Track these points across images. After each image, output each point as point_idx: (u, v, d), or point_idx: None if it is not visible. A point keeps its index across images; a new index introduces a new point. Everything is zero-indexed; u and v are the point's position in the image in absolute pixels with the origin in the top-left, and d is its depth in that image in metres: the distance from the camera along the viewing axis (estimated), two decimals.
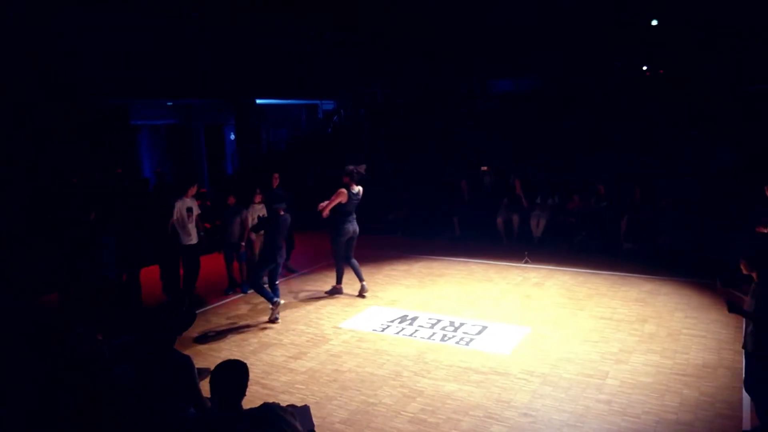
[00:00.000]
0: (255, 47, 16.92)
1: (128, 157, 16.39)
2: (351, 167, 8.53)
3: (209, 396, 3.34)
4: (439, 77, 20.65)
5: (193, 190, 8.66)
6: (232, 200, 9.17)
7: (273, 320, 7.69)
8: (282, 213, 7.66)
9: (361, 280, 8.75)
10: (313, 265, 10.61)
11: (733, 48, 15.20)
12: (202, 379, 4.23)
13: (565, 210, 11.60)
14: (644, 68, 17.52)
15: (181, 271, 8.85)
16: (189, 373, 3.68)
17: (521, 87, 20.06)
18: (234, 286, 9.29)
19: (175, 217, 8.37)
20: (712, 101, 13.90)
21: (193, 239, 8.59)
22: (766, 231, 6.73)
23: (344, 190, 8.48)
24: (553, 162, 13.02)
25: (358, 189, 8.61)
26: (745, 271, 4.82)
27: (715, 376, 5.74)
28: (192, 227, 8.54)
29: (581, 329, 7.12)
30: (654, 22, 18.22)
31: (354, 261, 8.79)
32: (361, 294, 8.71)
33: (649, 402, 5.31)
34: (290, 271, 10.19)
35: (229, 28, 15.98)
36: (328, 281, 9.59)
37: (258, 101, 18.33)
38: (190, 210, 8.52)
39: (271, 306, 7.72)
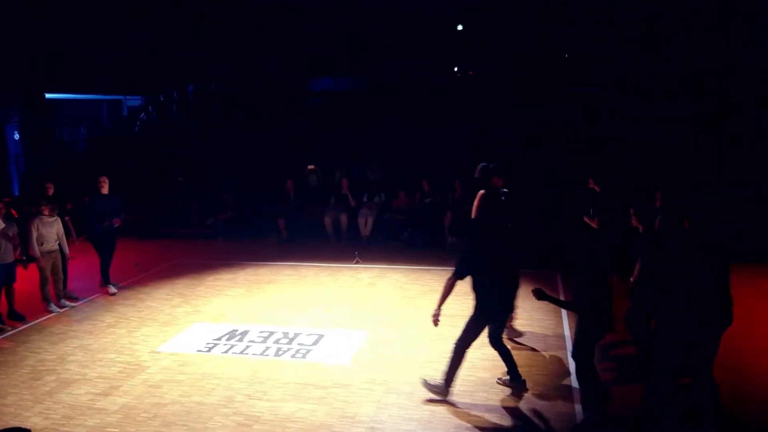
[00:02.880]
0: (45, 35, 14.73)
1: None
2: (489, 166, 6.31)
3: None
4: (257, 71, 19.84)
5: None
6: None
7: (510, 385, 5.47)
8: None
9: None
10: (123, 280, 9.32)
11: (545, 52, 16.56)
12: None
13: (391, 208, 11.66)
14: (455, 69, 18.44)
15: None
16: None
17: (340, 86, 20.04)
18: None
19: None
20: (528, 102, 14.97)
21: None
22: (592, 222, 7.09)
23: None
24: (378, 160, 13.05)
25: None
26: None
27: (544, 364, 5.96)
28: None
29: (418, 329, 7.04)
30: (459, 27, 19.30)
31: None
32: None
33: (491, 398, 5.32)
34: (73, 299, 8.53)
35: (8, 10, 13.70)
36: (141, 297, 8.53)
37: (48, 96, 16.05)
38: None
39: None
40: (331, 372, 5.92)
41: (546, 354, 6.24)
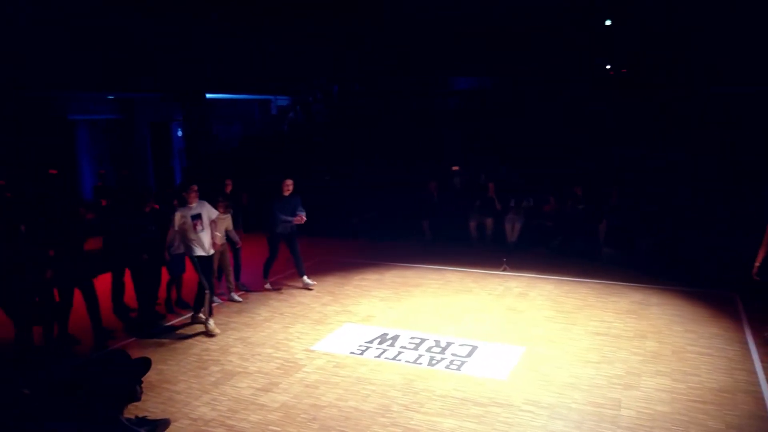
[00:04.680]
0: (204, 38, 15.79)
1: (65, 155, 15.04)
2: None
3: None
4: (397, 71, 19.94)
5: (194, 195, 7.21)
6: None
7: None
8: None
9: None
10: (274, 275, 9.58)
11: (697, 49, 15.10)
12: None
13: (540, 213, 11.09)
14: (608, 67, 17.30)
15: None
16: None
17: (483, 84, 19.56)
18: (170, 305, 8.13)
19: (176, 227, 7.14)
20: (675, 102, 13.75)
21: (200, 250, 7.23)
22: None
23: None
24: (526, 162, 12.52)
25: None
26: None
27: (735, 403, 5.22)
28: (201, 236, 7.18)
29: (578, 348, 6.53)
30: (607, 23, 18.07)
31: None
32: None
33: None
34: (244, 290, 8.91)
35: (174, 18, 14.82)
36: (292, 293, 8.76)
37: (207, 96, 17.19)
38: (197, 217, 7.18)
39: None
40: (488, 388, 5.61)
41: (736, 391, 5.47)
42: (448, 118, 15.91)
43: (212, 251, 7.42)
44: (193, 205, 7.21)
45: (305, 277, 8.99)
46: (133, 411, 5.05)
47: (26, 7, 11.41)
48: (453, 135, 14.58)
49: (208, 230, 7.32)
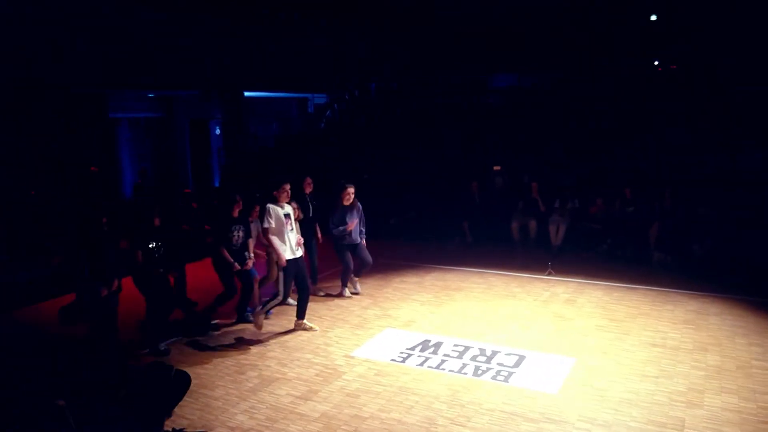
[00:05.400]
0: (242, 37, 15.76)
1: (105, 152, 15.18)
2: None
3: None
4: (434, 69, 19.58)
5: (285, 195, 6.79)
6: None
7: None
8: None
9: None
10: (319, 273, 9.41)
11: (751, 45, 14.38)
12: None
13: (586, 215, 10.66)
14: (656, 63, 16.65)
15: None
16: None
17: (523, 82, 19.08)
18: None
19: (274, 226, 6.72)
20: (725, 98, 13.12)
21: (289, 252, 6.82)
22: None
23: None
24: (571, 162, 12.10)
25: None
26: None
27: None
28: (290, 236, 6.82)
29: (634, 360, 6.15)
30: (653, 17, 17.38)
31: None
32: None
33: None
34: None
35: (213, 16, 14.80)
36: (331, 296, 8.56)
37: (246, 94, 17.18)
38: (287, 216, 6.83)
39: None
40: (539, 402, 5.30)
41: None
42: (488, 116, 15.53)
43: (299, 253, 6.97)
44: (284, 204, 6.85)
45: (356, 281, 8.65)
46: (171, 420, 4.90)
47: (50, 4, 11.46)
48: (493, 134, 14.20)
49: (296, 230, 6.98)
